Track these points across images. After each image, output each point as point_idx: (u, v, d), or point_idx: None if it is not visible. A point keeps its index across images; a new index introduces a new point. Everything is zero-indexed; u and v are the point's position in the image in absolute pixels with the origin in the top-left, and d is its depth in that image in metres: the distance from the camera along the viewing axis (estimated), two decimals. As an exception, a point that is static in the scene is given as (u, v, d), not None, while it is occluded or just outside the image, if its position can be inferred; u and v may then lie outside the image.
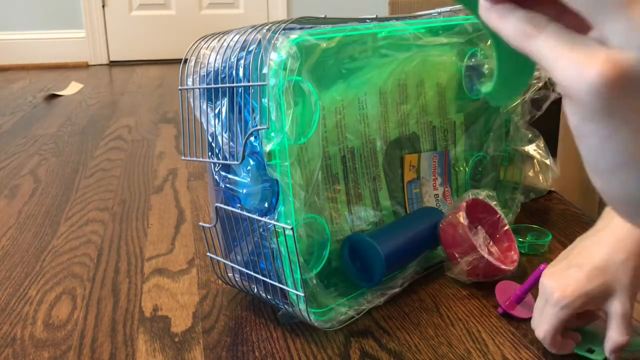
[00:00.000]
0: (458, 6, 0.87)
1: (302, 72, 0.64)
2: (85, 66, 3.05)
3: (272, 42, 0.63)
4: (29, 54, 3.01)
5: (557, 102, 1.01)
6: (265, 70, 0.62)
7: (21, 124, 1.77)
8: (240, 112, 0.66)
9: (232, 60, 0.66)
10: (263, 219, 0.66)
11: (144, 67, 2.99)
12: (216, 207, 0.71)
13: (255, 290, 0.71)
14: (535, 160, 0.98)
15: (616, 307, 0.59)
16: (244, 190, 0.69)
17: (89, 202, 1.12)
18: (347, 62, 0.72)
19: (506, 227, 0.82)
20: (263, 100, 0.63)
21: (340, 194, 0.76)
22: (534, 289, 0.71)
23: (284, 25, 0.65)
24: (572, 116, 0.26)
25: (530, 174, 1.04)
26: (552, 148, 1.01)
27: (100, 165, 1.35)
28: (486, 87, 0.34)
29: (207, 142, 0.71)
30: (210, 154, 0.71)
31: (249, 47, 0.65)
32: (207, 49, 0.70)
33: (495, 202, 0.82)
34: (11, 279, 0.83)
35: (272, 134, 0.63)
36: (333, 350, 0.66)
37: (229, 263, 0.73)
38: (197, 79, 0.70)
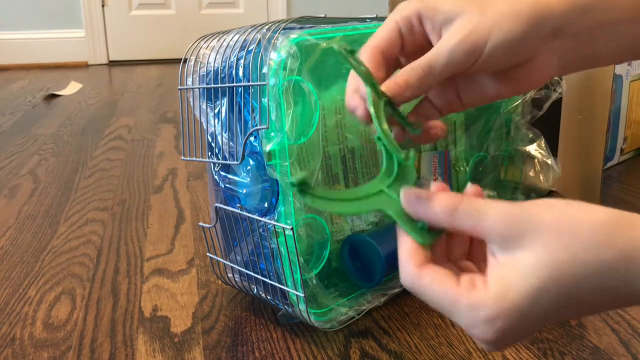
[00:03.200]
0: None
1: (302, 72, 0.64)
2: (85, 66, 3.05)
3: (272, 41, 0.62)
4: (28, 53, 3.01)
5: (559, 102, 1.00)
6: (265, 70, 0.62)
7: (21, 124, 1.77)
8: (240, 112, 0.66)
9: (231, 59, 0.66)
10: (263, 219, 0.66)
11: (143, 67, 2.99)
12: (216, 207, 0.71)
13: (255, 290, 0.71)
14: (535, 160, 0.98)
15: None
16: (244, 190, 0.68)
17: (89, 202, 1.12)
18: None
19: (507, 227, 0.82)
20: (263, 100, 0.62)
21: (341, 194, 0.76)
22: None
23: (283, 24, 0.65)
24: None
25: (531, 173, 1.03)
26: (553, 148, 1.01)
27: (99, 165, 1.35)
28: None
29: (206, 142, 0.71)
30: (210, 154, 0.71)
31: (248, 47, 0.64)
32: (206, 48, 0.69)
33: (495, 202, 0.82)
34: (10, 279, 0.83)
35: (272, 134, 0.62)
36: (333, 350, 0.66)
37: (229, 263, 0.73)
38: (197, 78, 0.69)
